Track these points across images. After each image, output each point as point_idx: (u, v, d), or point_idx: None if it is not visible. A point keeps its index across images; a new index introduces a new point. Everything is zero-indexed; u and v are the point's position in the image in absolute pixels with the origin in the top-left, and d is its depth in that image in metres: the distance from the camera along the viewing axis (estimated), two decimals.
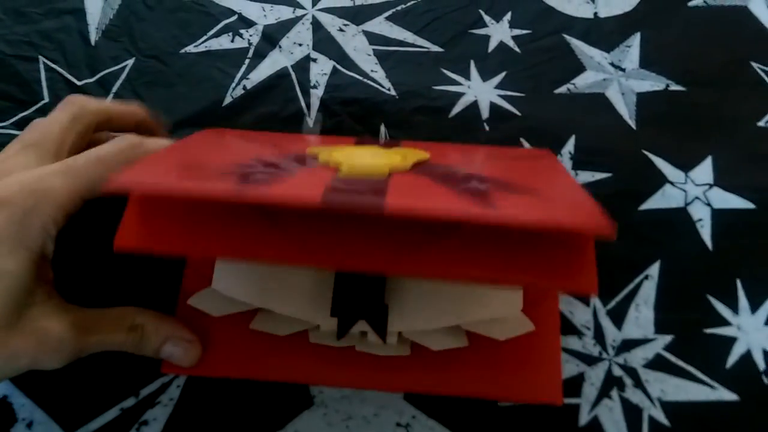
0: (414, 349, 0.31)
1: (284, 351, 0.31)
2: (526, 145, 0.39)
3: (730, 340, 0.33)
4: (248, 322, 0.31)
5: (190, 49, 0.42)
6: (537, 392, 0.30)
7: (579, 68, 0.42)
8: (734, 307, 0.33)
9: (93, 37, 0.42)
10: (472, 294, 0.30)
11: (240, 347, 0.31)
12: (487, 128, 0.39)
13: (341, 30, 0.43)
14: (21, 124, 0.39)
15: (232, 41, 0.42)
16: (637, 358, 0.32)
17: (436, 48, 0.43)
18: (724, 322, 0.33)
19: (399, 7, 0.44)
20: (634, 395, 0.31)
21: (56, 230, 0.27)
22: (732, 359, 0.32)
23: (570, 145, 0.38)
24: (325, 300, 0.30)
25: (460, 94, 0.40)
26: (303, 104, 0.40)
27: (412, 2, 0.45)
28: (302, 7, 0.44)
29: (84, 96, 0.31)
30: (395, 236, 0.24)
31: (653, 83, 0.41)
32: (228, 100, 0.40)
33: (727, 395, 0.31)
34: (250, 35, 0.43)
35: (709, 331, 0.33)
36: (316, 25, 0.43)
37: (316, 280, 0.30)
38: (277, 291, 0.31)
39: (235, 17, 0.43)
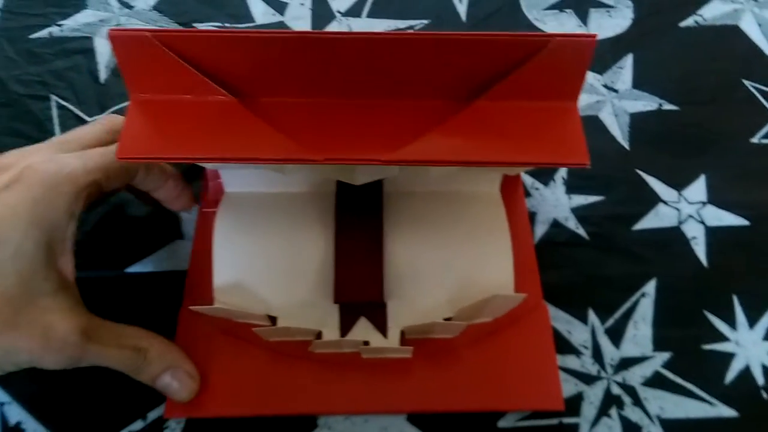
0: (416, 369, 0.32)
1: (287, 384, 0.32)
2: (523, 175, 0.39)
3: (729, 356, 0.33)
4: (250, 361, 0.32)
5: None
6: (538, 400, 0.31)
7: None
8: (732, 323, 0.34)
9: (102, 75, 0.43)
10: (464, 285, 0.32)
11: (242, 385, 0.32)
12: None
13: None
14: None
15: None
16: (636, 376, 0.32)
17: None
18: (722, 338, 0.33)
19: None
20: (633, 413, 0.31)
21: (78, 211, 0.27)
22: (731, 375, 0.32)
23: (563, 170, 0.39)
24: (328, 306, 0.32)
25: None
26: None
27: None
28: None
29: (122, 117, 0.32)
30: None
31: (646, 103, 0.42)
32: None
33: (727, 412, 0.31)
34: None
35: (707, 347, 0.33)
36: None
37: (317, 284, 0.32)
38: (279, 300, 0.32)
39: None
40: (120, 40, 0.26)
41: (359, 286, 0.31)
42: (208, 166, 0.32)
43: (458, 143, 0.26)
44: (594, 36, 0.25)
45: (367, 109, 0.27)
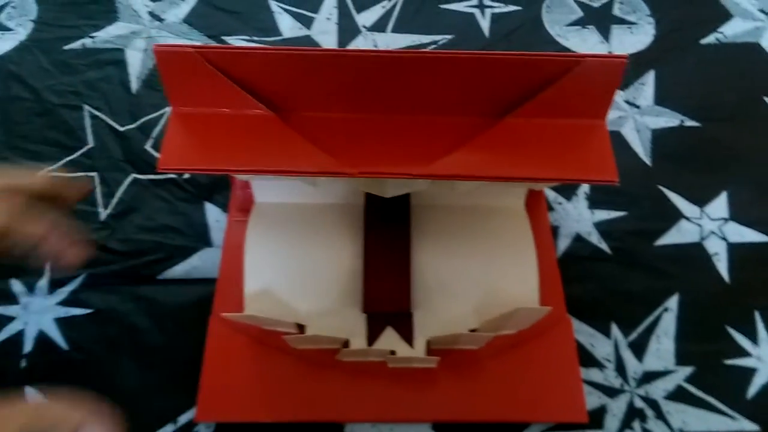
0: (441, 379, 0.33)
1: (314, 392, 0.33)
2: (546, 190, 0.40)
3: (750, 371, 0.33)
4: (278, 368, 0.33)
5: None
6: (562, 412, 0.32)
7: None
8: (753, 338, 0.34)
9: (134, 85, 0.45)
10: (489, 297, 0.32)
11: (270, 391, 0.33)
12: None
13: None
14: (68, 167, 0.41)
15: None
16: (658, 389, 0.33)
17: None
18: (744, 353, 0.34)
19: None
20: (656, 427, 0.32)
21: None
22: (753, 390, 0.33)
23: (585, 185, 0.40)
24: (356, 315, 0.32)
25: None
26: None
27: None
28: None
29: None
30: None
31: (668, 119, 0.43)
32: None
33: (748, 426, 0.32)
34: None
35: (729, 362, 0.34)
36: None
37: (345, 293, 0.33)
38: (308, 309, 0.33)
39: None
40: (164, 55, 0.27)
41: (387, 297, 0.32)
42: (242, 177, 0.32)
43: (489, 159, 0.26)
44: (624, 57, 0.26)
45: (400, 125, 0.28)
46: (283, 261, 0.34)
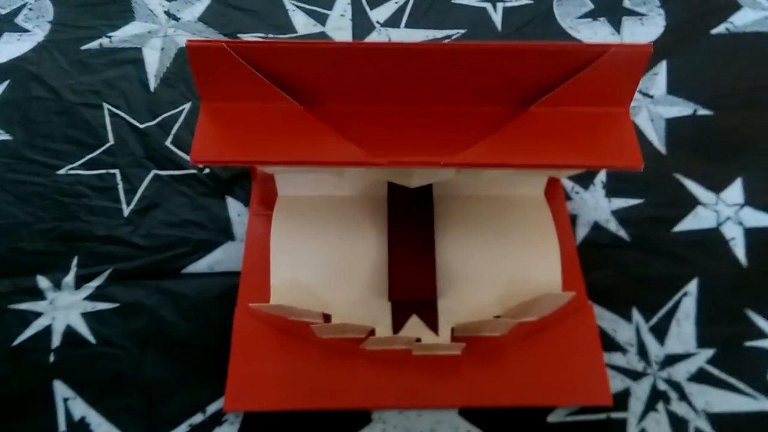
0: (465, 365, 0.33)
1: (340, 380, 0.33)
2: (564, 179, 0.40)
3: None
4: (304, 357, 0.33)
5: None
6: (587, 396, 0.32)
7: None
8: None
9: (152, 84, 0.45)
10: (513, 284, 0.33)
11: (297, 380, 0.33)
12: None
13: None
14: (89, 165, 0.42)
15: None
16: (681, 372, 0.33)
17: None
18: (763, 335, 0.34)
19: None
20: (679, 408, 0.32)
21: None
22: None
23: (602, 174, 0.40)
24: (381, 304, 0.33)
25: None
26: None
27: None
28: None
29: None
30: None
31: (681, 109, 0.43)
32: None
33: None
34: None
35: (749, 344, 0.34)
36: None
37: (370, 283, 0.33)
38: (334, 298, 0.33)
39: None
40: (196, 50, 0.27)
41: (413, 285, 0.33)
42: (270, 169, 0.33)
43: (516, 147, 0.27)
44: (649, 46, 0.26)
45: (427, 116, 0.28)
46: (309, 252, 0.34)
